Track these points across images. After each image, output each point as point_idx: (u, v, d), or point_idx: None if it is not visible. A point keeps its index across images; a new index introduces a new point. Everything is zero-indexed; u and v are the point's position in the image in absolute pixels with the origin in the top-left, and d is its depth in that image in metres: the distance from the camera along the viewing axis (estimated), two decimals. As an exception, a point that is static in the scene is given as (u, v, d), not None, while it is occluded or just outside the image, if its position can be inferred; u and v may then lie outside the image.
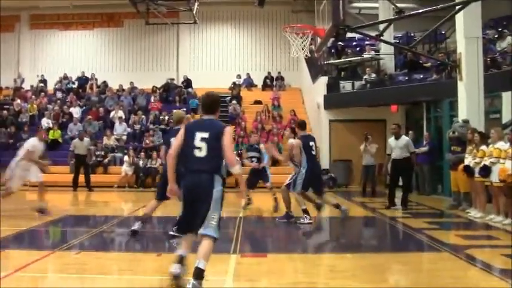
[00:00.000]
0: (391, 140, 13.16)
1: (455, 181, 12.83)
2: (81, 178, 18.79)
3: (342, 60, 22.32)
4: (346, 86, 21.11)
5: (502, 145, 10.51)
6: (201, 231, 5.38)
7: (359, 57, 22.00)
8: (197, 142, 5.48)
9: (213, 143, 5.45)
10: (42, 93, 25.30)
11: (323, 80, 21.59)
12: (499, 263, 7.14)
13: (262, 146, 13.17)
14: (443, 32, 21.12)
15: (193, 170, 5.47)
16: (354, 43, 23.51)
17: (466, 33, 13.59)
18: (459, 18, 13.69)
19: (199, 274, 5.18)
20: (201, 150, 5.46)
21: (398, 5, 20.86)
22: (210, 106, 5.74)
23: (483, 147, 10.95)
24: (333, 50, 22.83)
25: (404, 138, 13.11)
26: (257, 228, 10.79)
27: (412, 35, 22.45)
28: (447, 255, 7.65)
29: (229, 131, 5.60)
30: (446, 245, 8.32)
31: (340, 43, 22.68)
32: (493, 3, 17.06)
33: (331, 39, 21.09)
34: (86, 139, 19.29)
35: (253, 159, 12.60)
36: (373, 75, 20.61)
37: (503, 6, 18.41)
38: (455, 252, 7.71)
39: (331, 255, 8.32)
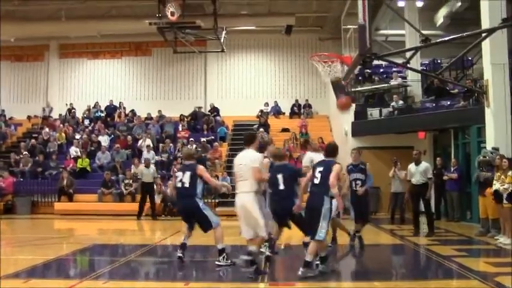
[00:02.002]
0: (411, 166, 13.45)
1: (483, 207, 12.93)
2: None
3: (369, 87, 22.57)
4: (374, 113, 21.30)
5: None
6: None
7: (386, 85, 22.23)
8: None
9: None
10: (70, 122, 25.96)
11: (351, 108, 21.79)
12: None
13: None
14: (469, 59, 21.26)
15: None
16: (381, 70, 23.76)
17: (492, 60, 13.73)
18: (485, 45, 13.86)
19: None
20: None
21: (425, 32, 21.12)
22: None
23: (511, 172, 11.08)
24: (360, 77, 23.08)
25: (424, 164, 13.38)
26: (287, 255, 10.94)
27: (439, 61, 22.62)
28: (476, 282, 7.76)
29: None
30: (476, 273, 8.41)
31: (368, 70, 22.92)
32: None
33: (358, 67, 21.43)
34: (152, 167, 19.63)
35: (358, 181, 11.68)
36: (401, 102, 20.78)
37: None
38: (485, 280, 7.82)
39: (360, 283, 8.46)
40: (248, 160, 8.25)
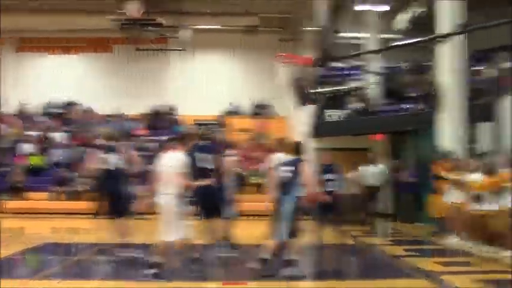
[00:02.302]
0: (367, 168, 13.63)
1: (433, 207, 13.22)
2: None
3: (329, 89, 22.71)
4: (333, 114, 21.45)
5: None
6: None
7: (345, 87, 22.42)
8: None
9: None
10: (24, 118, 25.47)
11: (309, 109, 21.91)
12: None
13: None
14: (428, 63, 21.64)
15: None
16: (341, 72, 23.89)
17: (449, 65, 13.99)
18: (443, 50, 14.11)
19: None
20: None
21: (386, 36, 21.52)
22: None
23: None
24: (319, 79, 23.20)
25: (380, 166, 13.57)
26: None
27: (399, 65, 22.98)
28: (423, 281, 7.92)
29: None
30: (423, 272, 8.59)
31: (328, 72, 23.08)
32: (479, 35, 17.61)
33: (318, 68, 21.59)
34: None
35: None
36: (359, 104, 20.99)
37: (488, 38, 18.91)
38: (431, 279, 7.98)
39: (309, 283, 8.53)
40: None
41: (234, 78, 27.87)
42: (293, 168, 8.28)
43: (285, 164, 8.48)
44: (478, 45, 18.54)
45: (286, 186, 8.23)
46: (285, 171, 8.30)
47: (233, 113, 26.93)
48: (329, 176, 11.25)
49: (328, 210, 11.03)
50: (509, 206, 9.99)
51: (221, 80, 27.73)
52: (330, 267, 9.92)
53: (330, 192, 10.91)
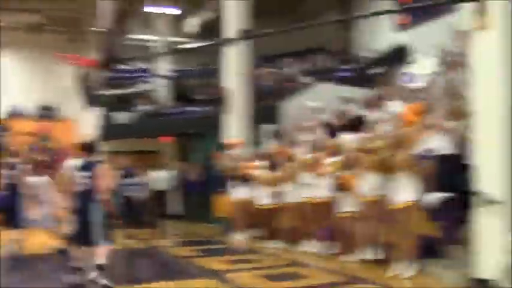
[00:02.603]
0: (156, 172, 13.51)
1: (220, 207, 13.47)
2: None
3: (117, 91, 22.16)
4: (121, 117, 20.96)
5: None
6: None
7: (133, 89, 22.07)
8: None
9: None
10: None
11: (97, 111, 21.22)
12: (255, 283, 7.61)
13: None
14: (216, 67, 22.15)
15: None
16: (129, 74, 23.48)
17: (235, 69, 14.36)
18: (229, 54, 14.45)
19: None
20: None
21: (174, 39, 21.59)
22: None
23: None
24: (107, 80, 22.55)
25: (168, 170, 13.55)
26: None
27: (188, 69, 23.22)
28: (210, 281, 7.93)
29: None
30: (210, 271, 8.62)
31: (116, 74, 22.56)
32: (265, 42, 18.42)
33: (105, 70, 20.93)
34: None
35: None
36: (148, 106, 20.79)
37: (274, 44, 19.93)
38: (217, 278, 8.04)
39: None
40: None
41: (18, 79, 25.94)
42: (90, 173, 7.61)
43: (82, 168, 7.71)
44: (263, 51, 19.49)
45: (86, 193, 7.53)
46: (83, 177, 7.60)
47: (17, 115, 25.03)
48: (128, 180, 10.70)
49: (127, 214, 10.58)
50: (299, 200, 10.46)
51: (4, 80, 25.65)
52: (119, 272, 9.50)
53: (128, 197, 10.45)
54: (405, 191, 7.46)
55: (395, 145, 7.64)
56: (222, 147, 13.78)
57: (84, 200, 7.48)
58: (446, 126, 8.34)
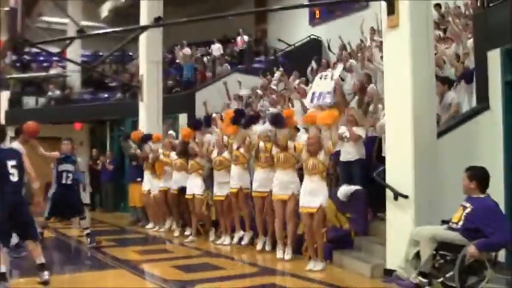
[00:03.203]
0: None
1: (132, 196, 13.22)
2: None
3: (26, 75, 21.21)
4: (30, 101, 20.09)
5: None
6: None
7: (44, 73, 21.18)
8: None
9: None
10: None
11: (5, 95, 20.27)
12: (168, 274, 7.46)
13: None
14: (129, 54, 21.67)
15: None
16: (41, 58, 22.59)
17: (148, 57, 14.03)
18: (142, 41, 14.13)
19: None
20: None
21: (88, 23, 20.88)
22: None
23: None
24: (17, 64, 21.59)
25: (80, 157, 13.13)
26: None
27: (101, 54, 22.54)
28: (124, 271, 7.72)
29: None
30: (123, 262, 8.39)
31: (26, 57, 21.60)
32: (181, 29, 18.18)
33: (14, 53, 19.97)
34: None
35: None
36: (58, 91, 20.04)
37: (184, 33, 19.70)
38: (131, 268, 7.83)
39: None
40: None
41: None
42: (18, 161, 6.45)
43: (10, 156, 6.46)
44: (178, 38, 19.29)
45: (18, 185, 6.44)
46: (13, 167, 6.37)
47: None
48: (67, 167, 9.87)
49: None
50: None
51: None
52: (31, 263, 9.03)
53: (68, 186, 9.73)
54: (318, 196, 7.44)
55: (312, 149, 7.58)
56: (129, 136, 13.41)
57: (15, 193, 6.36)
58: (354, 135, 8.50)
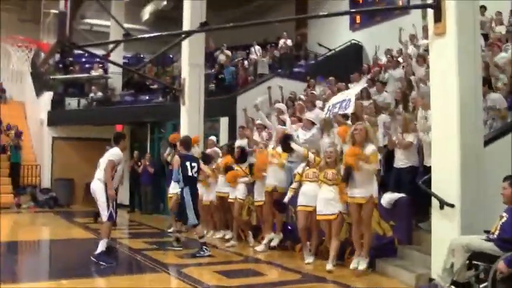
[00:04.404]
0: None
1: (171, 199, 13.34)
2: None
3: (69, 76, 21.71)
4: (72, 103, 20.57)
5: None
6: None
7: (86, 75, 21.64)
8: None
9: None
10: None
11: (48, 96, 20.77)
12: (212, 279, 7.56)
13: None
14: (170, 57, 21.95)
15: None
16: (83, 59, 23.09)
17: (190, 60, 14.15)
18: (185, 45, 14.24)
19: None
20: None
21: (130, 26, 21.17)
22: None
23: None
24: (60, 65, 22.11)
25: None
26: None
27: (142, 56, 22.91)
28: (165, 276, 7.84)
29: None
30: (164, 265, 8.50)
31: (69, 58, 22.11)
32: (218, 33, 18.37)
33: (58, 55, 20.48)
34: None
35: None
36: (100, 93, 20.43)
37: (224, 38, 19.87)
38: (172, 272, 7.96)
39: (46, 283, 7.82)
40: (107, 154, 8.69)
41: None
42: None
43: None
44: (218, 41, 19.45)
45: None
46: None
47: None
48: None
49: None
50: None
51: None
52: (70, 264, 9.30)
53: None
54: (363, 187, 7.50)
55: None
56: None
57: None
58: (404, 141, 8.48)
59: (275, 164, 9.63)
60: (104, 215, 8.54)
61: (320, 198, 8.02)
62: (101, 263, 8.31)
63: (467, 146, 6.58)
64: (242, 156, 10.74)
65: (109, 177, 8.44)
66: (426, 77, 10.18)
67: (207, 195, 11.57)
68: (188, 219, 9.20)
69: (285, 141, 9.31)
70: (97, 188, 8.56)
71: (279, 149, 9.55)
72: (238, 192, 10.44)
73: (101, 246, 8.51)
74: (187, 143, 9.77)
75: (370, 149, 7.49)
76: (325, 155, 8.25)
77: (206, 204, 11.60)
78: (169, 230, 11.45)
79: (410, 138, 8.50)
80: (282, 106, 11.66)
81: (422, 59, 12.29)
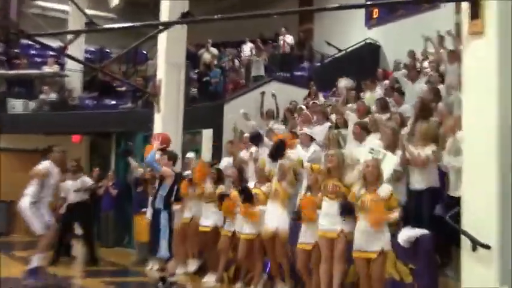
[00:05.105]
0: (68, 182, 13.31)
1: (140, 229, 13.25)
2: None
3: (14, 72, 21.54)
4: (17, 105, 20.38)
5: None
6: None
7: (37, 71, 21.50)
8: None
9: None
10: None
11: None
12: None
13: None
14: (144, 53, 21.95)
15: None
16: (33, 52, 23.00)
17: (168, 58, 14.05)
18: (162, 39, 14.14)
19: None
20: None
21: (94, 12, 21.19)
22: None
23: None
24: (3, 58, 21.99)
25: (82, 178, 13.41)
26: None
27: (108, 51, 22.90)
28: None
29: None
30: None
31: (15, 50, 21.99)
32: (202, 26, 18.43)
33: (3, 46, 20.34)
34: None
35: None
36: (54, 95, 20.34)
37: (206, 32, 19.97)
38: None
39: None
40: None
41: None
42: None
43: None
44: (195, 39, 19.46)
45: None
46: None
47: None
48: None
49: None
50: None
51: None
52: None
53: None
54: (378, 239, 7.53)
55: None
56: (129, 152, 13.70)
57: None
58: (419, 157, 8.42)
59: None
60: (36, 228, 8.75)
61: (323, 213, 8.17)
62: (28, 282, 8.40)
63: (508, 172, 6.60)
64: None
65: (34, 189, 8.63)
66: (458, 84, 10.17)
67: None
68: (159, 250, 9.17)
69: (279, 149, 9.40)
70: (22, 202, 8.88)
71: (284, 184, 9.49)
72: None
73: (35, 262, 8.66)
74: (176, 159, 9.88)
75: (385, 190, 7.55)
76: (326, 159, 8.26)
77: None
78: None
79: (427, 151, 8.32)
80: (279, 127, 11.82)
81: (455, 55, 12.06)
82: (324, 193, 8.19)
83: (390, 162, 8.55)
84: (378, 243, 7.49)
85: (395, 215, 7.56)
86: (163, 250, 9.20)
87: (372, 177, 7.61)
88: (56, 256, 12.86)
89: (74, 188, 13.26)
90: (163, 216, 9.23)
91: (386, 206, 7.49)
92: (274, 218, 9.39)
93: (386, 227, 7.62)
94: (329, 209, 8.09)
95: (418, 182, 8.36)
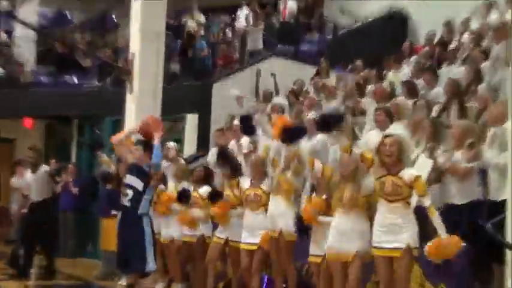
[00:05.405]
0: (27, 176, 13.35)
1: (107, 235, 13.28)
2: None
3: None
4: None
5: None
6: None
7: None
8: None
9: None
10: None
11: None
12: None
13: None
14: (114, 19, 21.88)
15: None
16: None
17: (143, 26, 14.02)
18: (136, 2, 14.13)
19: None
20: None
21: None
22: None
23: None
24: None
25: (43, 169, 13.39)
26: None
27: (68, 16, 22.84)
28: None
29: None
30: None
31: None
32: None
33: None
34: None
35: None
36: (0, 69, 20.37)
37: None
38: None
39: None
40: None
41: None
42: None
43: None
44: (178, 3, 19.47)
45: None
46: None
47: None
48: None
49: None
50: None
51: None
52: None
53: None
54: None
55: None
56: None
57: None
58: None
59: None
60: None
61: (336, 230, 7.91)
62: None
63: None
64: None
65: None
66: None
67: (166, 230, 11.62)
68: (146, 262, 9.18)
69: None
70: None
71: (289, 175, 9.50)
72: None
73: None
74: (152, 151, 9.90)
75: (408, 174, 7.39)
76: (339, 162, 8.11)
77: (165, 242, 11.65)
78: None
79: (467, 155, 8.26)
80: (281, 102, 11.80)
81: (502, 32, 11.94)
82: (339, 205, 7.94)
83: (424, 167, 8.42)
84: (402, 237, 7.26)
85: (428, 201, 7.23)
86: (151, 262, 9.20)
87: (392, 158, 7.32)
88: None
89: (36, 184, 13.25)
90: (146, 223, 9.25)
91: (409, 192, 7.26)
92: (277, 216, 9.43)
93: (413, 221, 7.37)
94: (343, 224, 7.81)
95: (455, 195, 8.34)
